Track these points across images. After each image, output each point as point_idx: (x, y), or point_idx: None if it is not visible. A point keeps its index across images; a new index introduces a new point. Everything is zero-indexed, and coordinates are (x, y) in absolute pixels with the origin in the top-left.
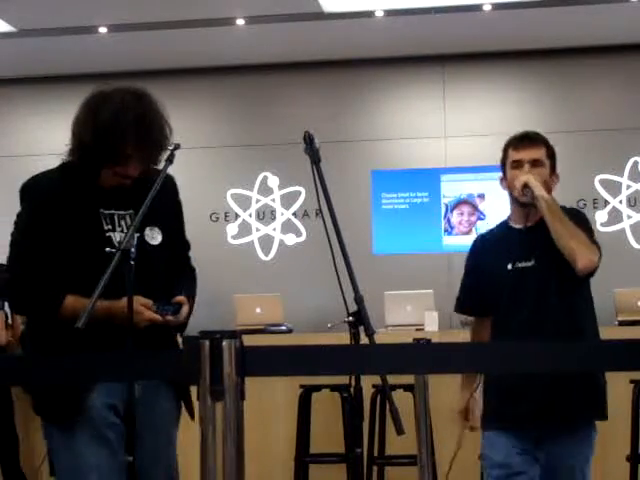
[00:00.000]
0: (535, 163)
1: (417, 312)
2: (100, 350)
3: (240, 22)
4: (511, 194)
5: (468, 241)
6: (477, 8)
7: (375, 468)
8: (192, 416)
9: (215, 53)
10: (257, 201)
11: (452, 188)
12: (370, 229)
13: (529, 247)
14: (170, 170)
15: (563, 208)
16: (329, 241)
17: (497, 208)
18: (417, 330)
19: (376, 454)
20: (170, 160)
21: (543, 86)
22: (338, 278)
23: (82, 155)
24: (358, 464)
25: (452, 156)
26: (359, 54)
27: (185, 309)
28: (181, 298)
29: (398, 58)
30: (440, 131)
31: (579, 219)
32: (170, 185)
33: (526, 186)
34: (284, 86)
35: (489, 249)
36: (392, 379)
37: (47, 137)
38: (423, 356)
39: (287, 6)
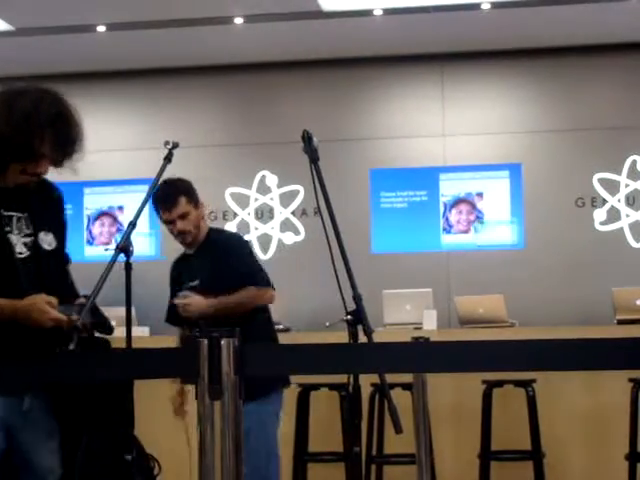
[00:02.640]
0: (183, 216)
1: (416, 311)
2: (10, 351)
3: (239, 21)
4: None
5: (467, 240)
6: (476, 7)
7: (374, 467)
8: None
9: (213, 52)
10: (255, 200)
11: (451, 187)
12: (369, 228)
13: (195, 266)
14: (168, 169)
15: (225, 237)
16: (327, 240)
17: (495, 207)
18: (415, 329)
19: (375, 453)
20: (169, 159)
21: (542, 85)
22: (337, 277)
23: None
24: (357, 463)
25: (451, 155)
26: (358, 53)
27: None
28: (82, 300)
29: (397, 57)
30: (439, 130)
31: (240, 256)
32: (60, 197)
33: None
34: (283, 85)
35: (177, 272)
36: (390, 378)
37: None
38: (422, 355)
39: (286, 5)
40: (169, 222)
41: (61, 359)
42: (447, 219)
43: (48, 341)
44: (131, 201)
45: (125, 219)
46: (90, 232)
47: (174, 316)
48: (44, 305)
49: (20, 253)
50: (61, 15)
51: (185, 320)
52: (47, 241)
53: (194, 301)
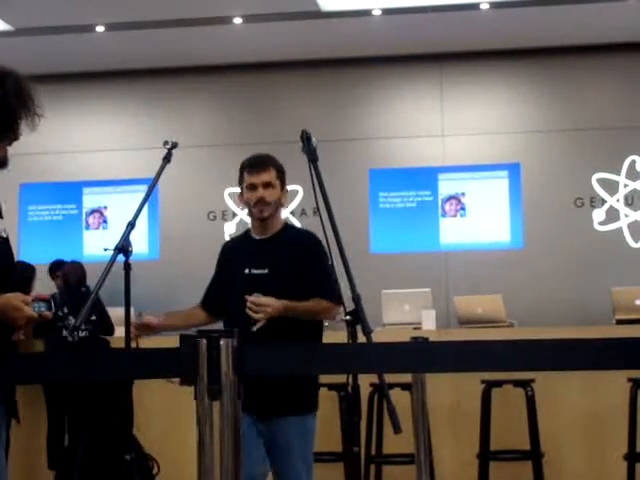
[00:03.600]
0: (267, 185)
1: (414, 311)
2: None
3: (238, 21)
4: (250, 210)
5: (466, 239)
6: (474, 7)
7: (373, 467)
8: (18, 420)
9: (212, 52)
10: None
11: (449, 187)
12: (367, 228)
13: (265, 255)
14: (167, 168)
15: (308, 237)
16: (327, 240)
17: (495, 206)
18: (414, 329)
19: (374, 453)
20: (167, 159)
21: (540, 85)
22: (335, 277)
23: None
24: (356, 463)
25: (450, 155)
26: (357, 53)
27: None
28: (46, 295)
29: (395, 57)
30: (437, 130)
31: (321, 263)
32: None
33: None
34: (282, 85)
35: (231, 256)
36: (390, 378)
37: (41, 135)
38: (420, 355)
39: (285, 5)
40: (252, 187)
41: (60, 358)
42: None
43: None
44: (117, 202)
45: (111, 219)
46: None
47: (213, 302)
48: (20, 304)
49: None
50: (60, 15)
51: (231, 314)
52: (1, 229)
53: (273, 303)
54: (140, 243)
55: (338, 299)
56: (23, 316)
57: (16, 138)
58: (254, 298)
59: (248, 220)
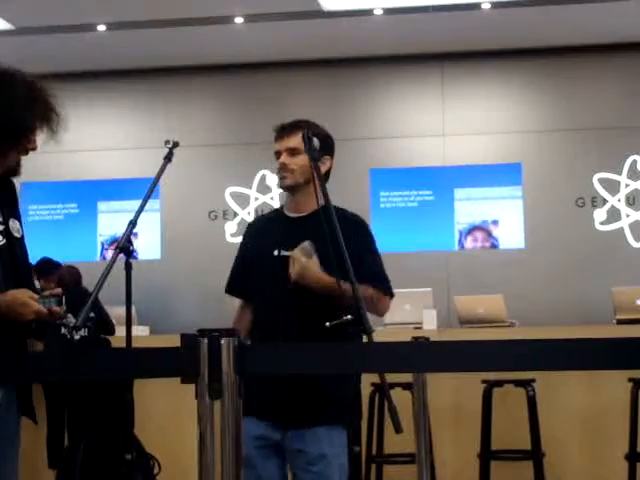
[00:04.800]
0: (292, 152)
1: (415, 310)
2: None
3: (239, 20)
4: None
5: (466, 238)
6: (476, 7)
7: (374, 466)
8: (34, 420)
9: (214, 51)
10: (256, 199)
11: (450, 187)
12: None
13: (298, 236)
14: (168, 168)
15: (356, 219)
16: (327, 239)
17: (511, 231)
18: (415, 328)
19: (375, 452)
20: (169, 158)
21: (542, 84)
22: (337, 276)
23: None
24: (357, 462)
25: (451, 154)
26: (358, 52)
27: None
28: (58, 290)
29: (397, 56)
30: (439, 129)
31: (371, 249)
32: (14, 186)
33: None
34: (283, 84)
35: (258, 234)
36: (391, 377)
37: (40, 135)
38: (421, 354)
39: (286, 4)
40: (277, 154)
41: (61, 357)
42: (462, 246)
43: (20, 333)
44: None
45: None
46: (462, 247)
47: (240, 285)
48: (28, 299)
49: None
50: (61, 14)
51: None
52: (16, 229)
53: (312, 266)
54: (143, 243)
55: (390, 289)
56: (31, 311)
57: (33, 148)
58: (298, 251)
59: (248, 219)
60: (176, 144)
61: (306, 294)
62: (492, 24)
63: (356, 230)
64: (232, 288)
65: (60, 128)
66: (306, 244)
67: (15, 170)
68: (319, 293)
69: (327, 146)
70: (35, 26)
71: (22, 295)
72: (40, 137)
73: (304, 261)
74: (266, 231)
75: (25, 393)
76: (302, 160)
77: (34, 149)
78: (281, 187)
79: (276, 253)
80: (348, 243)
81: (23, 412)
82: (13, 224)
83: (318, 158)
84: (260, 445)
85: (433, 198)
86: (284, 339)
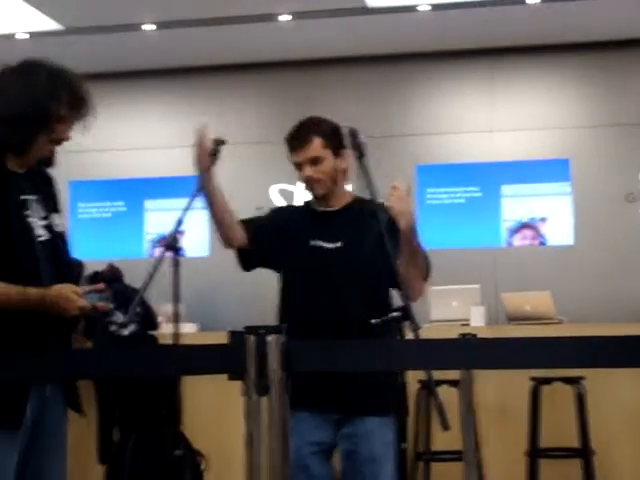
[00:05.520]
0: (314, 161)
1: (463, 307)
2: (24, 343)
3: (284, 18)
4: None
5: (513, 238)
6: (523, 1)
7: (421, 463)
8: (81, 411)
9: (259, 49)
10: (300, 196)
11: (510, 189)
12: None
13: (331, 229)
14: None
15: (381, 206)
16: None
17: (560, 228)
18: (463, 325)
19: (422, 450)
20: (215, 155)
21: (590, 79)
22: (384, 273)
23: (15, 128)
24: (403, 459)
25: (498, 150)
26: (404, 49)
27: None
28: (101, 286)
29: (444, 52)
30: (486, 125)
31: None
32: (53, 180)
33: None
34: (329, 81)
35: (290, 223)
36: (437, 374)
37: (89, 133)
38: (469, 351)
39: (331, 1)
40: (298, 166)
41: (109, 354)
42: (510, 244)
43: (65, 329)
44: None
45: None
46: (510, 245)
47: (253, 233)
48: (72, 294)
49: (40, 236)
50: (110, 14)
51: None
52: (58, 223)
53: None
54: (191, 240)
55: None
56: (75, 306)
57: (65, 138)
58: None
59: None
60: (223, 142)
61: (349, 288)
62: (540, 18)
63: (391, 219)
64: (246, 227)
65: (92, 120)
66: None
67: (49, 160)
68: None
69: (340, 139)
70: (84, 26)
71: (66, 290)
72: (74, 129)
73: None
74: (297, 221)
75: (71, 386)
76: (326, 166)
77: (66, 139)
78: (313, 197)
79: (312, 243)
80: (391, 231)
81: (69, 404)
82: (55, 219)
83: (363, 155)
84: (316, 450)
85: (480, 195)
86: (326, 333)
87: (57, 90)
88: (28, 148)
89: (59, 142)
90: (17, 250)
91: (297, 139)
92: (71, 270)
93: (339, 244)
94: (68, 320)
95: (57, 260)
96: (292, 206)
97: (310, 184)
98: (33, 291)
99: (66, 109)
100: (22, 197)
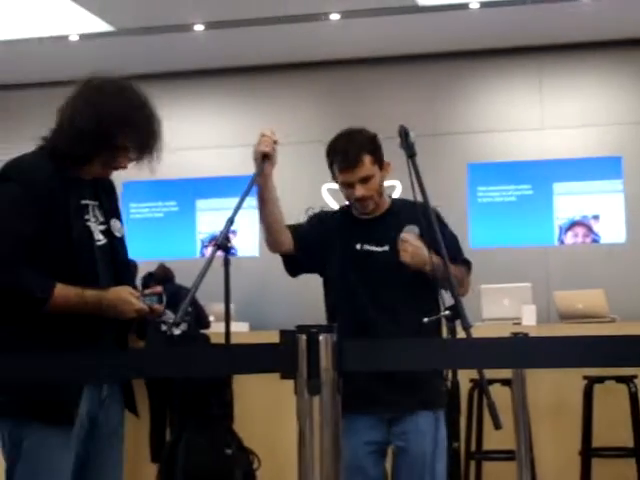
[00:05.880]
0: (364, 180)
1: (514, 306)
2: (80, 344)
3: (335, 17)
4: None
5: (566, 237)
6: None
7: (473, 463)
8: (137, 414)
9: (310, 48)
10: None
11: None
12: (466, 223)
13: (376, 233)
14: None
15: (419, 206)
16: (425, 236)
17: (612, 226)
18: (514, 324)
19: (474, 449)
20: (267, 156)
21: None
22: (434, 272)
23: (77, 143)
24: (456, 459)
25: (549, 148)
26: (454, 47)
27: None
28: (159, 289)
29: (494, 50)
30: (537, 122)
31: (446, 230)
32: (114, 187)
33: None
34: (379, 80)
35: (334, 228)
36: (489, 373)
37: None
38: (521, 350)
39: (381, 0)
40: (348, 185)
41: (161, 354)
42: (562, 242)
43: (121, 330)
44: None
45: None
46: (562, 242)
47: (300, 238)
48: (129, 296)
49: (98, 240)
50: (160, 15)
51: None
52: (117, 228)
53: (419, 249)
54: (242, 240)
55: (470, 267)
56: (132, 309)
57: (122, 167)
58: (406, 235)
59: None
60: (275, 142)
61: (399, 290)
62: (590, 15)
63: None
64: (294, 232)
65: (157, 158)
66: (412, 227)
67: (104, 178)
68: (427, 273)
69: (381, 149)
70: (135, 27)
71: (124, 292)
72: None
73: (415, 242)
74: (341, 226)
75: (128, 388)
76: (375, 182)
77: (123, 168)
78: (363, 213)
79: (359, 247)
80: (429, 231)
81: (126, 406)
82: (114, 224)
83: (414, 154)
84: (371, 450)
85: (532, 192)
86: (377, 335)
87: (127, 122)
88: (84, 164)
89: (115, 168)
90: (76, 253)
91: (347, 161)
92: (129, 274)
93: (386, 248)
94: (124, 321)
95: (115, 264)
96: (331, 211)
97: (361, 203)
98: (91, 293)
99: (130, 142)
100: (82, 202)
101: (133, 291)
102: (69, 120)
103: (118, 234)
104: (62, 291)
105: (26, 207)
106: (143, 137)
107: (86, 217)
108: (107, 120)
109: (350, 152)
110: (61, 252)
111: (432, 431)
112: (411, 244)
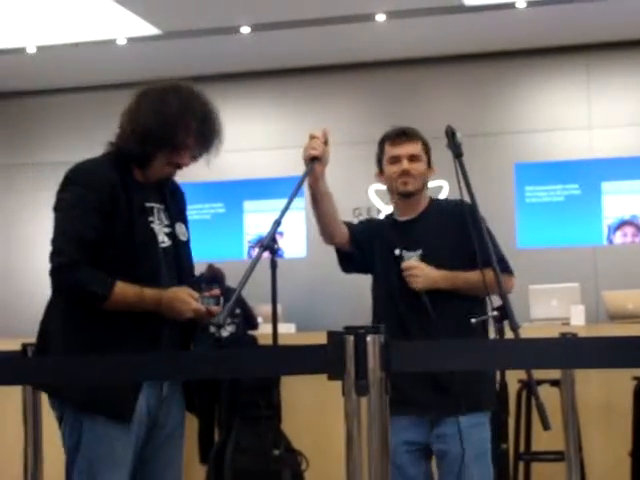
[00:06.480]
0: (413, 158)
1: (563, 306)
2: (139, 342)
3: (380, 17)
4: (391, 187)
5: (613, 237)
6: None
7: (522, 464)
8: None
9: (356, 49)
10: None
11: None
12: (514, 223)
13: (411, 237)
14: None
15: (455, 203)
16: (472, 236)
17: None
18: (563, 324)
19: (522, 450)
20: (316, 157)
21: None
22: (482, 273)
23: (140, 142)
24: (504, 460)
25: (597, 147)
26: (501, 46)
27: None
28: (217, 291)
29: (540, 49)
30: (585, 122)
31: (480, 230)
32: (182, 193)
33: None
34: (425, 80)
35: (379, 233)
36: (538, 374)
37: None
38: (569, 351)
39: (428, 0)
40: (395, 160)
41: (209, 355)
42: (611, 241)
43: (185, 333)
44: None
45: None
46: (611, 242)
47: (355, 234)
48: (187, 297)
49: (162, 242)
50: (206, 18)
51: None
52: (182, 232)
53: (424, 272)
54: (290, 242)
55: (510, 269)
56: (189, 309)
57: (184, 164)
58: (407, 263)
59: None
60: (325, 142)
61: (435, 292)
62: (637, 13)
63: (463, 213)
64: (351, 229)
65: (217, 154)
66: (411, 254)
67: (167, 180)
68: (447, 289)
69: (430, 152)
70: (181, 30)
71: (182, 293)
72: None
73: (420, 266)
74: (384, 232)
75: (189, 389)
76: (422, 167)
77: (185, 165)
78: (401, 192)
79: (398, 253)
80: (462, 230)
81: (187, 407)
82: (179, 228)
83: (461, 154)
84: (410, 450)
85: (580, 192)
86: (424, 335)
87: (189, 120)
88: (148, 164)
89: (178, 166)
90: (139, 254)
91: (404, 134)
92: (191, 277)
93: (420, 251)
94: (187, 325)
95: (178, 266)
96: (377, 219)
97: (404, 177)
98: (149, 292)
99: (192, 140)
100: (147, 204)
101: (192, 292)
102: (132, 122)
103: (183, 238)
104: (122, 289)
105: (90, 209)
106: (205, 134)
107: (150, 219)
108: (169, 119)
109: (407, 130)
110: (124, 252)
111: (473, 434)
112: (419, 270)
